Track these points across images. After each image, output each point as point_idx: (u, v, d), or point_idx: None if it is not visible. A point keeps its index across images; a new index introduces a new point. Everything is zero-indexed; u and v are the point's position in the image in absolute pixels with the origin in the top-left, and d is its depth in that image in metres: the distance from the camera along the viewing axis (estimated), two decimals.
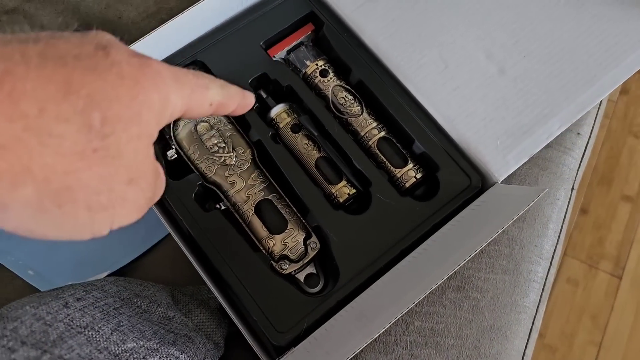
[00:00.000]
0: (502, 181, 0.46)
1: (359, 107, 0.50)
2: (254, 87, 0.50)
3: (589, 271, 1.10)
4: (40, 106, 0.20)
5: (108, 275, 0.50)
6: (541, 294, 0.54)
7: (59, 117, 0.20)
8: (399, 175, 0.48)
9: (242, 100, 0.32)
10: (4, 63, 0.20)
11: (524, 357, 0.53)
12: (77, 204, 0.22)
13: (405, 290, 0.39)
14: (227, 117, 0.49)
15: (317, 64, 0.50)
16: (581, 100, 0.48)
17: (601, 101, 0.56)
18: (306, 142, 0.48)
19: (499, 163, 0.46)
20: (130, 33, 0.61)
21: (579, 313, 1.07)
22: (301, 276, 0.46)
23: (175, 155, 0.47)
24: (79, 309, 0.36)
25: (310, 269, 0.46)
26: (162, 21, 0.61)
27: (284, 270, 0.45)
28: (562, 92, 0.48)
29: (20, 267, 0.51)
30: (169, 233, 0.51)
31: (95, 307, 0.37)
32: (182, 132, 0.48)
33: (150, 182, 0.25)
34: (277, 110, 0.49)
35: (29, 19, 0.63)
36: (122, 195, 0.23)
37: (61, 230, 0.22)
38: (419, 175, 0.47)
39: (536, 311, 0.54)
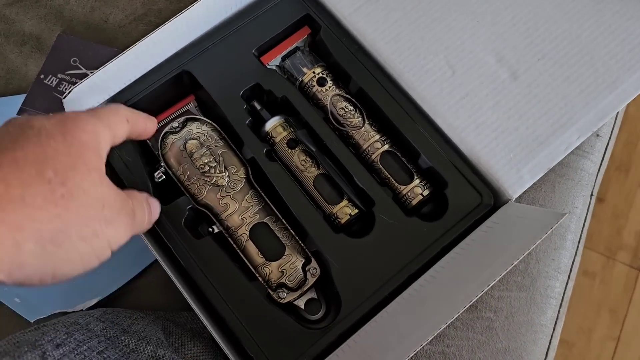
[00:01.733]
0: (517, 197, 0.43)
1: (360, 119, 0.46)
2: (246, 98, 0.46)
3: (606, 263, 1.06)
4: (5, 184, 0.26)
5: (97, 303, 0.48)
6: (559, 311, 0.51)
7: (24, 185, 0.26)
8: (404, 192, 0.44)
9: (147, 121, 0.39)
10: None
11: None
12: (71, 238, 0.28)
13: (413, 329, 0.36)
14: (219, 132, 0.45)
15: (314, 72, 0.47)
16: (602, 106, 0.43)
17: None
18: (304, 158, 0.45)
19: (512, 178, 0.43)
20: (117, 38, 0.58)
21: (596, 307, 1.04)
22: (301, 302, 0.43)
23: (164, 177, 0.44)
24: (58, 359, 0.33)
25: (312, 294, 0.43)
26: (150, 24, 0.58)
27: (282, 299, 0.42)
28: (580, 98, 0.44)
29: (6, 294, 0.48)
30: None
31: (77, 354, 0.35)
32: (171, 150, 0.45)
33: (120, 203, 0.32)
34: (272, 124, 0.46)
35: (11, 24, 0.59)
36: (103, 219, 0.30)
37: (73, 264, 0.29)
38: (425, 193, 0.44)
39: (553, 329, 0.51)
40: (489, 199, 0.43)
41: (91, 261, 0.30)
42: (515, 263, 0.35)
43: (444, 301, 0.36)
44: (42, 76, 0.56)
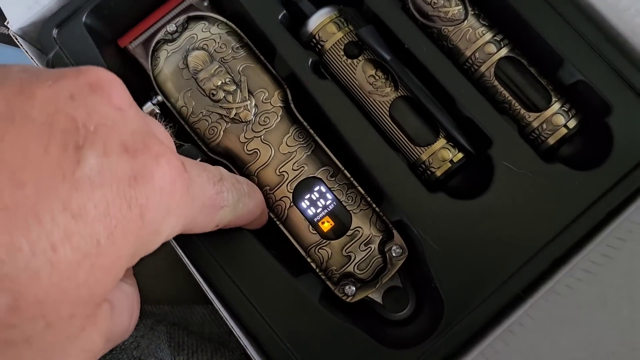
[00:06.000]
0: None
1: (462, 7, 0.29)
2: None
3: None
4: None
5: None
6: None
7: None
8: (537, 124, 0.28)
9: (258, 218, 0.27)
10: None
11: None
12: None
13: None
14: (239, 36, 0.30)
15: None
16: None
17: None
18: (372, 73, 0.30)
19: None
20: None
21: None
22: (378, 295, 0.28)
23: (159, 112, 0.29)
24: None
25: (393, 281, 0.29)
26: None
27: (349, 297, 0.27)
28: None
29: None
30: None
31: None
32: (166, 69, 0.30)
33: None
34: (320, 20, 0.30)
35: None
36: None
37: None
38: (572, 124, 0.29)
39: None
40: None
41: None
42: None
43: (616, 318, 0.21)
44: None
